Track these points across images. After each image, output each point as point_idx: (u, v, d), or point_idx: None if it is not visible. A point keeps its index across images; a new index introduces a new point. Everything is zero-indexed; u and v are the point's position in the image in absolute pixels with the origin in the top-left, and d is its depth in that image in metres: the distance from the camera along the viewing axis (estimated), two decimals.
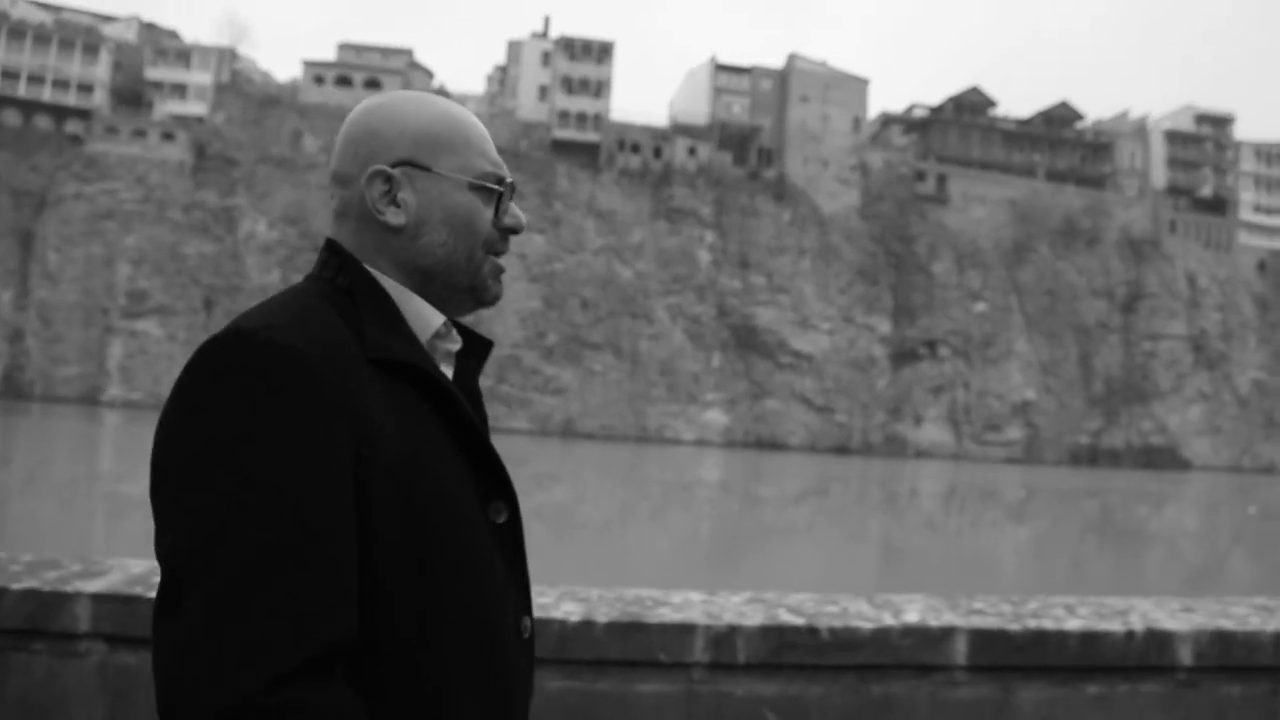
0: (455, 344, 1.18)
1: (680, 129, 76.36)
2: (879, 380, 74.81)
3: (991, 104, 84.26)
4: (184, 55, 69.29)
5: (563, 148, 73.43)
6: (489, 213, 1.15)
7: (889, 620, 2.19)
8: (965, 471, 62.62)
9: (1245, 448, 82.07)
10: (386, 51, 75.54)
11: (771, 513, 31.62)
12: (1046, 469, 70.84)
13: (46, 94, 65.64)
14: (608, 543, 20.33)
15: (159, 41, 71.51)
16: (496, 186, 1.15)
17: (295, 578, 0.91)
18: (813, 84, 77.23)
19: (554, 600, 2.16)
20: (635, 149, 74.54)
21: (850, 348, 74.47)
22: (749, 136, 76.49)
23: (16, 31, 65.59)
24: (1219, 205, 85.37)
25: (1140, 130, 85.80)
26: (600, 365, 71.13)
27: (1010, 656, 2.17)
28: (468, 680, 1.04)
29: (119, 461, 33.56)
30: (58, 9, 71.92)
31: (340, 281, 1.09)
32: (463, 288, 1.15)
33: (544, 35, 75.81)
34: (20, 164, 64.70)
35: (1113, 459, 77.61)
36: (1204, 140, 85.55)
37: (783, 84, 77.53)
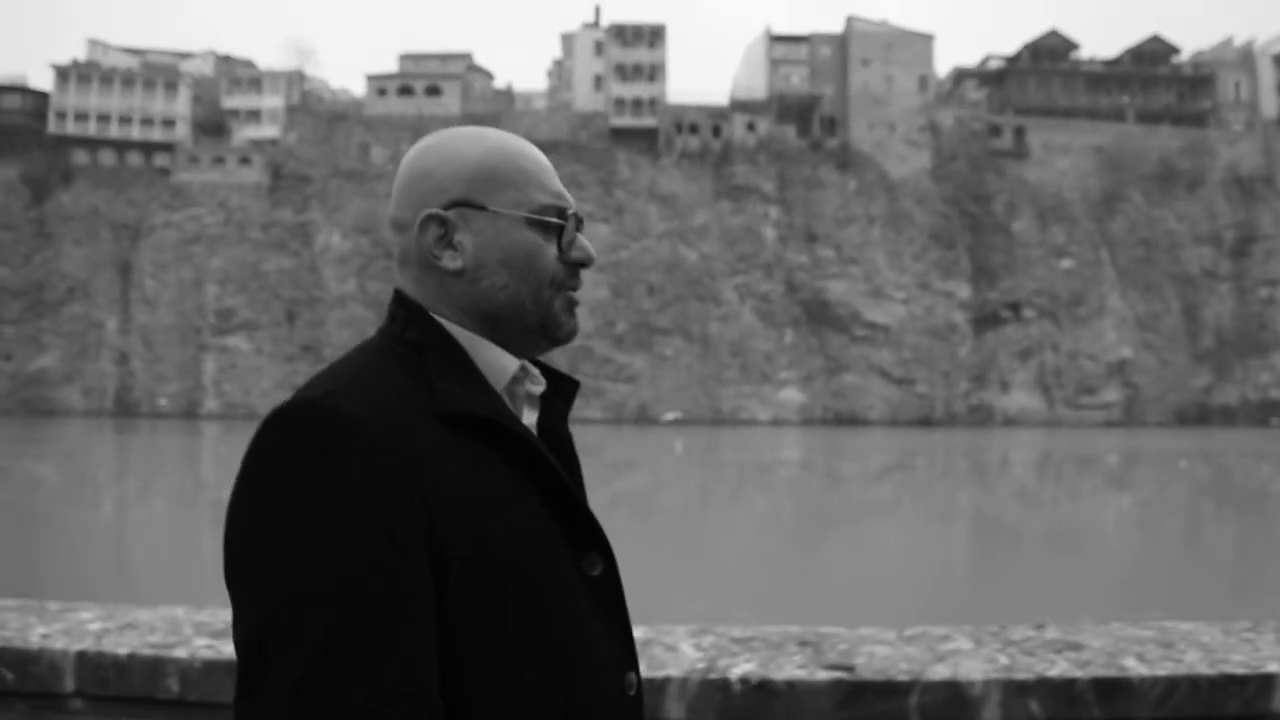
0: (539, 386, 1.12)
1: (738, 105, 75.27)
2: (961, 347, 72.01)
3: (1073, 46, 79.27)
4: (256, 82, 73.15)
5: (621, 135, 73.63)
6: (552, 248, 1.09)
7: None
8: (1059, 438, 59.60)
9: None
10: (445, 57, 77.42)
11: (856, 490, 31.23)
12: (1150, 431, 66.64)
13: (135, 132, 70.67)
14: (687, 528, 20.49)
15: (233, 71, 75.74)
16: (556, 220, 1.09)
17: (370, 662, 0.87)
18: (873, 45, 74.67)
19: None
20: (694, 130, 74.00)
21: (928, 315, 71.94)
22: (809, 106, 74.70)
23: (106, 79, 70.83)
24: None
25: (1246, 57, 78.93)
26: (671, 350, 71.24)
27: None
28: None
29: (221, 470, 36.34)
30: (143, 51, 77.18)
31: (409, 335, 1.05)
32: (533, 328, 1.09)
33: (595, 24, 76.04)
34: (117, 199, 69.94)
35: (1226, 417, 72.21)
36: None
37: (842, 48, 75.29)
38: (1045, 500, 29.74)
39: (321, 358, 69.39)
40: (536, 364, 1.14)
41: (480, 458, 0.99)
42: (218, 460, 42.00)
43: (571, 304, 1.11)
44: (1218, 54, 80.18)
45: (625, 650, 1.07)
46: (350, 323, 69.77)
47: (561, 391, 1.15)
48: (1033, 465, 42.98)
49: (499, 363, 1.07)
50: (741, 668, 2.08)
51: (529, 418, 1.11)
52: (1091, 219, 73.84)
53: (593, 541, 1.05)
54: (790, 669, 2.07)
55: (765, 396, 71.22)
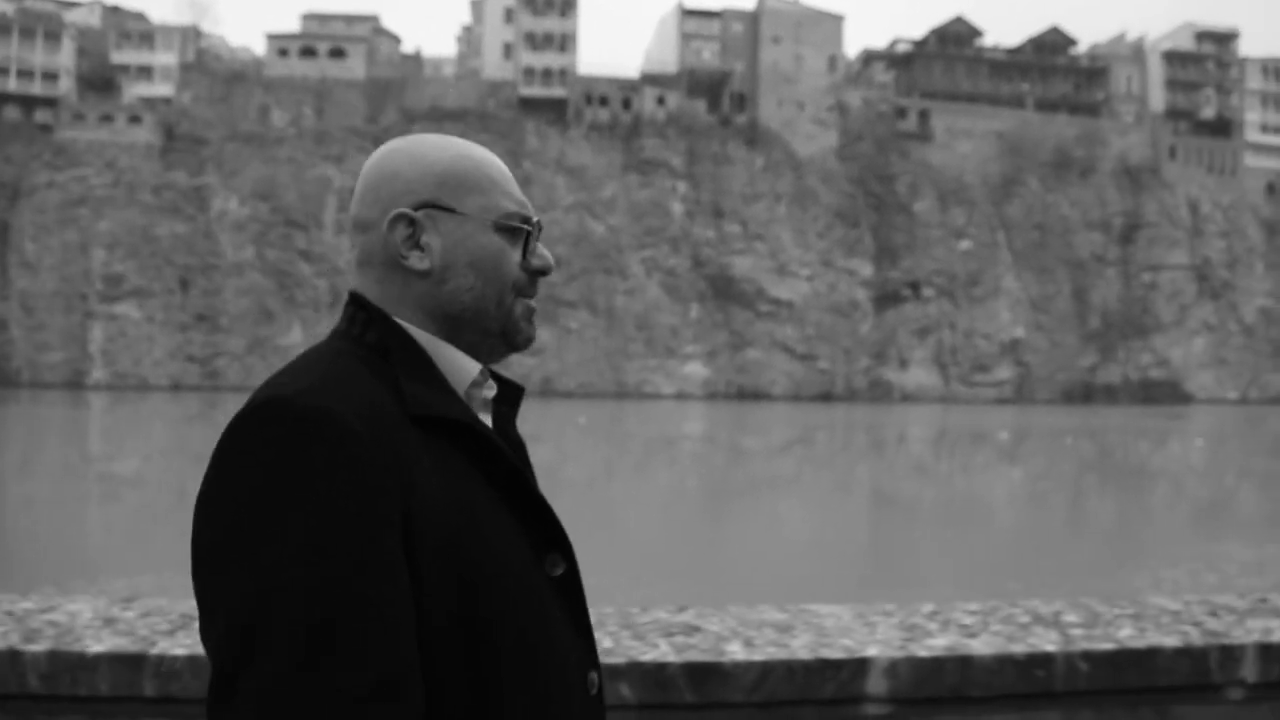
0: (491, 391, 1.12)
1: (649, 79, 75.06)
2: (862, 325, 73.61)
3: (978, 34, 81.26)
4: (148, 37, 69.86)
5: (530, 105, 72.72)
6: (516, 254, 1.10)
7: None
8: (953, 415, 61.49)
9: (1252, 379, 79.33)
10: (351, 19, 75.19)
11: (759, 464, 31.41)
12: (1039, 408, 69.25)
13: (12, 84, 66.78)
14: (592, 499, 20.43)
15: (123, 24, 72.15)
16: (524, 226, 1.10)
17: (355, 660, 0.87)
18: (784, 23, 75.19)
19: None
20: (604, 102, 73.53)
21: (831, 293, 73.27)
22: (720, 82, 74.93)
23: None
24: (1223, 127, 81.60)
25: (1137, 52, 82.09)
26: (576, 323, 71.04)
27: None
28: None
29: (109, 443, 34.76)
30: None
31: (369, 338, 1.04)
32: (494, 333, 1.10)
33: None
34: None
35: (1109, 395, 75.62)
36: (1205, 59, 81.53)
37: (754, 25, 75.61)
38: (940, 475, 30.68)
39: (218, 327, 67.18)
40: (488, 370, 1.15)
41: (451, 461, 0.99)
42: (103, 433, 40.44)
43: (530, 311, 1.12)
44: (1112, 48, 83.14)
45: (586, 649, 1.09)
46: (248, 291, 67.66)
47: (508, 396, 1.16)
48: (928, 441, 44.28)
49: (461, 366, 1.07)
50: None
51: (484, 422, 1.11)
52: (990, 202, 76.06)
53: (554, 542, 1.06)
54: None
55: (670, 370, 71.69)
